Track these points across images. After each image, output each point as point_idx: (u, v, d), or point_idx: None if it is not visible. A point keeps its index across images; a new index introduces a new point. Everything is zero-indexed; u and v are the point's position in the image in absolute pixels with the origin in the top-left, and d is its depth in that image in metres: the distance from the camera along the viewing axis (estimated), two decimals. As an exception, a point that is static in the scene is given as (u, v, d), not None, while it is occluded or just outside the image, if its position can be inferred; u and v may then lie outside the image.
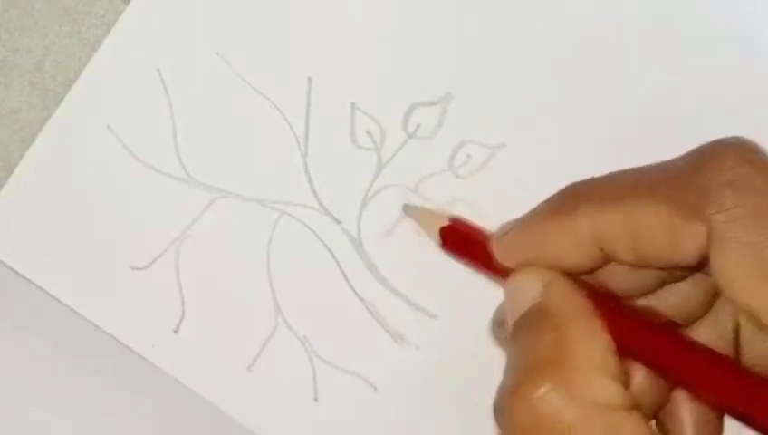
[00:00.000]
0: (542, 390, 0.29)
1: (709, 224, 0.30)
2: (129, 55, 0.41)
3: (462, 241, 0.37)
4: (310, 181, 0.41)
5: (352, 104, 0.40)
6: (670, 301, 0.34)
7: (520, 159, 0.40)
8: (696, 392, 0.33)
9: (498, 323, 0.36)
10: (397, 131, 0.40)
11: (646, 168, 0.32)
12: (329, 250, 0.40)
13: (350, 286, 0.40)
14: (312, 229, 0.40)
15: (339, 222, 0.40)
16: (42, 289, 0.41)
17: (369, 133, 0.40)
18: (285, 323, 0.40)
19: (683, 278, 0.34)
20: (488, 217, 0.40)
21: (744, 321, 0.35)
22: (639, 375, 0.34)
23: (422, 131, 0.40)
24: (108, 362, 0.41)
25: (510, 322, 0.33)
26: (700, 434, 0.35)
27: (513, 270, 0.34)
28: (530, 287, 0.33)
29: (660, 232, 0.31)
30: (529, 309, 0.32)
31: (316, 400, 0.40)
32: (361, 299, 0.40)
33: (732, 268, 0.30)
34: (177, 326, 0.40)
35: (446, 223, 0.37)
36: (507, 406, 0.30)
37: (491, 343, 0.39)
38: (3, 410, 0.41)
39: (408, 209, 0.40)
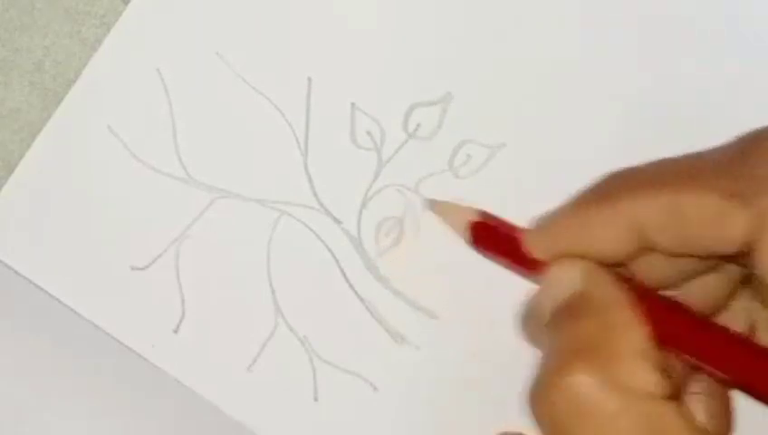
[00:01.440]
0: (583, 375, 0.29)
1: (758, 212, 0.29)
2: (130, 55, 0.41)
3: (493, 237, 0.35)
4: (310, 181, 0.41)
5: (352, 104, 0.40)
6: (693, 292, 0.34)
7: (520, 159, 0.40)
8: (734, 383, 0.32)
9: (530, 316, 0.35)
10: (397, 131, 0.40)
11: (685, 156, 0.31)
12: (329, 250, 0.40)
13: (350, 286, 0.40)
14: (312, 229, 0.40)
15: (339, 222, 0.40)
16: (42, 289, 0.41)
17: (369, 133, 0.40)
18: (285, 323, 0.40)
19: (711, 270, 0.34)
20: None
21: (762, 318, 0.34)
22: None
23: (422, 131, 0.40)
24: (108, 362, 0.41)
25: (548, 311, 0.32)
26: (708, 409, 0.35)
27: (546, 265, 0.33)
28: (571, 276, 0.32)
29: (705, 219, 0.30)
30: (570, 296, 0.32)
31: (316, 400, 0.40)
32: (361, 299, 0.40)
33: None
34: (177, 326, 0.40)
35: (475, 218, 0.35)
36: (545, 392, 0.30)
37: (491, 342, 0.39)
38: (3, 411, 0.41)
39: (434, 205, 0.37)
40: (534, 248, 0.34)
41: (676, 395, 0.30)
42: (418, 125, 0.40)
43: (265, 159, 0.41)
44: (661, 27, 0.40)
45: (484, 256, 0.36)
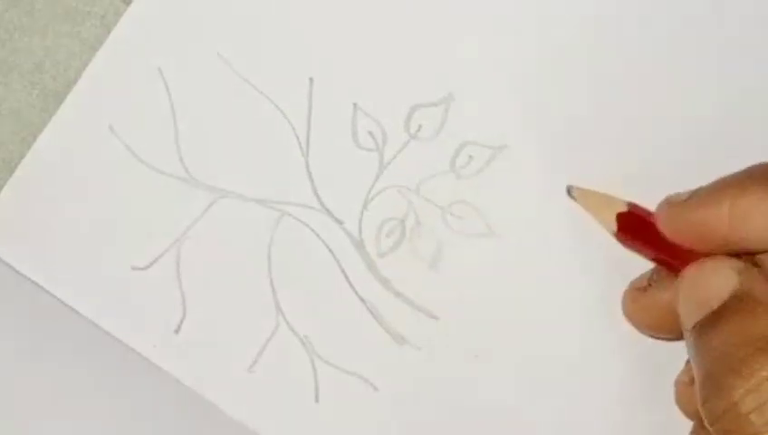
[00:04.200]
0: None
1: None
2: (131, 55, 0.41)
3: (639, 228, 0.36)
4: (311, 182, 0.41)
5: (354, 105, 0.40)
6: None
7: (521, 160, 0.40)
8: None
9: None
10: (398, 132, 0.40)
11: None
12: (330, 251, 0.40)
13: (351, 287, 0.40)
14: (313, 230, 0.40)
15: (340, 222, 0.40)
16: (42, 289, 0.40)
17: (370, 134, 0.41)
18: (286, 323, 0.40)
19: None
20: (489, 219, 0.40)
21: None
22: None
23: (424, 132, 0.40)
24: (108, 362, 0.41)
25: (697, 316, 0.32)
26: None
27: (691, 253, 0.33)
28: (724, 274, 0.32)
29: None
30: (730, 297, 0.31)
31: (317, 400, 0.40)
32: (362, 300, 0.40)
33: None
34: (178, 326, 0.40)
35: (623, 209, 0.36)
36: (724, 396, 0.29)
37: (491, 342, 0.39)
38: (2, 411, 0.41)
39: (578, 193, 0.38)
40: (679, 233, 0.34)
41: None
42: (420, 126, 0.40)
43: (267, 159, 0.41)
44: (663, 27, 0.40)
45: (628, 246, 0.36)
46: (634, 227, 0.36)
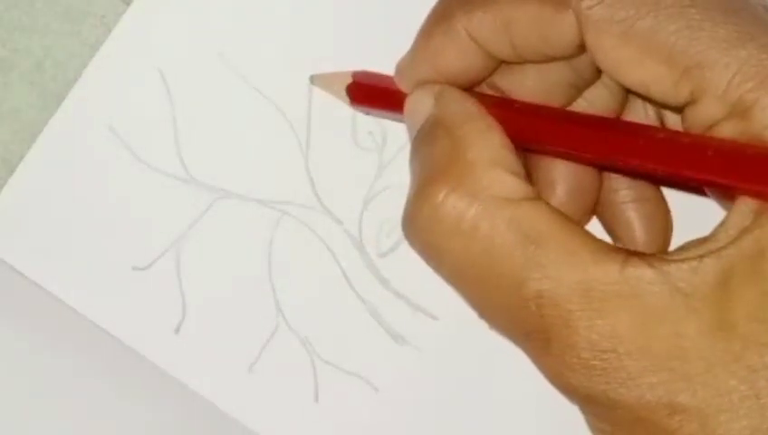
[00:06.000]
0: (442, 193, 0.30)
1: (577, 11, 0.30)
2: (131, 55, 0.41)
3: (371, 91, 0.37)
4: (311, 182, 0.41)
5: (354, 105, 0.41)
6: (583, 106, 0.35)
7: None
8: (616, 162, 0.31)
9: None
10: (398, 132, 0.40)
11: None
12: (330, 251, 0.40)
13: (352, 287, 0.40)
14: (313, 230, 0.40)
15: (340, 223, 0.40)
16: (42, 289, 0.40)
17: (370, 134, 0.41)
18: (286, 323, 0.40)
19: (593, 80, 0.34)
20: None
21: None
22: (563, 186, 0.35)
23: (424, 132, 0.40)
24: (108, 362, 0.41)
25: (410, 141, 0.33)
26: (643, 213, 0.36)
27: None
28: (423, 102, 0.33)
29: (531, 26, 0.31)
30: (423, 122, 0.33)
31: (317, 400, 0.40)
32: (362, 300, 0.40)
33: (608, 50, 0.29)
34: (178, 326, 0.40)
35: (350, 80, 0.38)
36: (411, 218, 0.31)
37: (491, 343, 0.39)
38: (2, 411, 0.41)
39: (315, 78, 0.40)
40: (401, 83, 0.35)
41: (539, 196, 0.30)
42: (420, 126, 0.40)
43: (267, 159, 0.41)
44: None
45: (369, 113, 0.38)
46: (367, 91, 0.37)
